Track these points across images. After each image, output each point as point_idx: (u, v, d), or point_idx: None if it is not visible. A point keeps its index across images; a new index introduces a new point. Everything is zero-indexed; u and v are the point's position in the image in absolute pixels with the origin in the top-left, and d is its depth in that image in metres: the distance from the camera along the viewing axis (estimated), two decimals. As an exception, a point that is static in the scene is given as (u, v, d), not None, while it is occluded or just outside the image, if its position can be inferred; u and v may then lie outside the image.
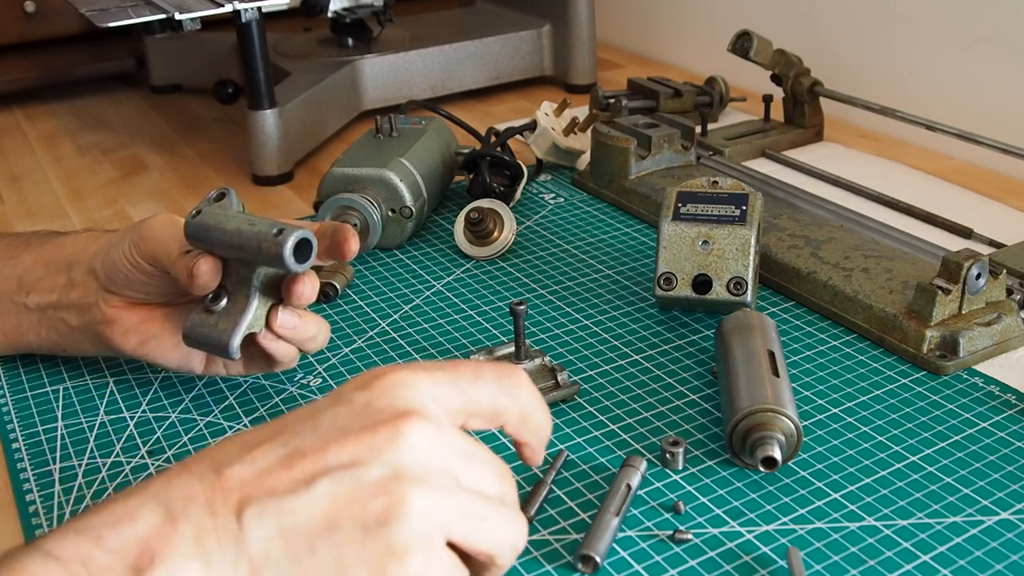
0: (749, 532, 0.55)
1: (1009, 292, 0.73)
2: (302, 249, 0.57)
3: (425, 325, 0.77)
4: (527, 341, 0.70)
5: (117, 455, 0.63)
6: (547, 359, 0.69)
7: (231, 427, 0.66)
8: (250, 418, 0.66)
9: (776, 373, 0.62)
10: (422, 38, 1.31)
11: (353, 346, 0.75)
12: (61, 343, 0.69)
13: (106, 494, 0.60)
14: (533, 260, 0.87)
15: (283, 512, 0.41)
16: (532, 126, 1.02)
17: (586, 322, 0.77)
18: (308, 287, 0.61)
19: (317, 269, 0.83)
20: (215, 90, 1.21)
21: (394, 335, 0.76)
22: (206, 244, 0.60)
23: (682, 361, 0.71)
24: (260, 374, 0.71)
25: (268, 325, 0.62)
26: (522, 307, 0.67)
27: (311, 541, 0.41)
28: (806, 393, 0.67)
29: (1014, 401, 0.65)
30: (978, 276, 0.70)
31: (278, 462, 0.42)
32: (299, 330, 0.64)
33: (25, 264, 0.69)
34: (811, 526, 0.55)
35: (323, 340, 0.66)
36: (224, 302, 0.61)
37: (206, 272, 0.60)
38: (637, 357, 0.72)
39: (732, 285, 0.72)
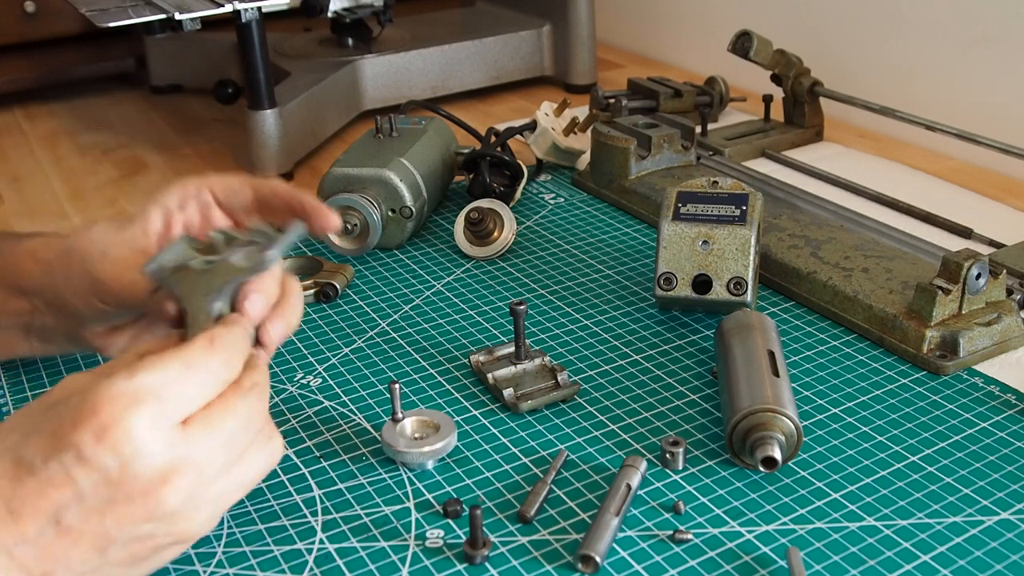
0: (749, 532, 0.55)
1: (1009, 292, 0.73)
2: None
3: (425, 325, 0.77)
4: (527, 341, 0.70)
5: (117, 455, 0.63)
6: (547, 359, 0.69)
7: (231, 427, 0.66)
8: (250, 418, 0.66)
9: (776, 373, 0.62)
10: (422, 38, 1.31)
11: (353, 346, 0.75)
12: (56, 351, 0.69)
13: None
14: (533, 260, 0.87)
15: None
16: (532, 126, 1.02)
17: (586, 322, 0.77)
18: (256, 305, 0.56)
19: (316, 268, 0.83)
20: (215, 90, 1.21)
21: (394, 335, 0.76)
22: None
23: (682, 361, 0.71)
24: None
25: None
26: (522, 307, 0.67)
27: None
28: (806, 393, 0.67)
29: (1014, 401, 0.65)
30: (978, 276, 0.70)
31: (56, 537, 0.45)
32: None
33: None
34: (811, 526, 0.55)
35: (295, 325, 0.60)
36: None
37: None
38: (637, 357, 0.72)
39: (732, 285, 0.72)
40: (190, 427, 0.47)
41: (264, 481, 0.60)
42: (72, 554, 0.46)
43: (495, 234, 0.87)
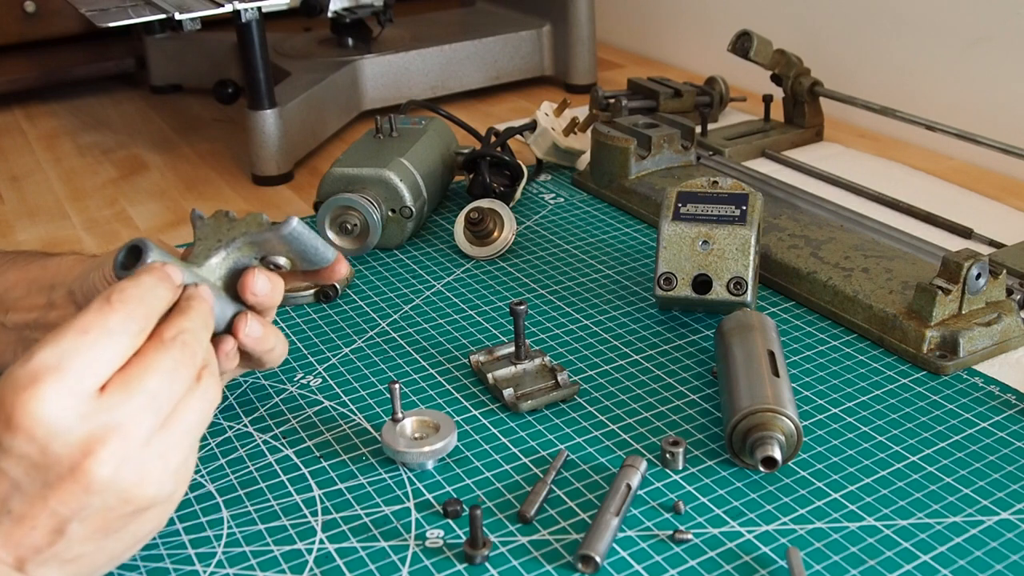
0: (749, 532, 0.55)
1: (1009, 292, 0.73)
2: (132, 256, 0.54)
3: (425, 325, 0.77)
4: (527, 341, 0.70)
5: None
6: (547, 359, 0.69)
7: (231, 427, 0.66)
8: (250, 418, 0.66)
9: (776, 373, 0.62)
10: (422, 38, 1.31)
11: (353, 346, 0.75)
12: None
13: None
14: (533, 260, 0.87)
15: (59, 556, 0.47)
16: (532, 126, 1.02)
17: (586, 322, 0.77)
18: (259, 282, 0.58)
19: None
20: (215, 90, 1.21)
21: (394, 335, 0.76)
22: None
23: (682, 361, 0.71)
24: (260, 373, 0.71)
25: (234, 332, 0.59)
26: (522, 307, 0.67)
27: (97, 555, 0.48)
28: (806, 393, 0.67)
29: (1014, 401, 0.65)
30: (978, 276, 0.70)
31: (14, 526, 0.46)
32: (260, 341, 0.60)
33: (8, 282, 0.68)
34: (811, 526, 0.55)
35: (280, 355, 0.62)
36: None
37: None
38: (637, 357, 0.72)
39: (732, 285, 0.72)
40: (106, 393, 0.46)
41: (264, 481, 0.60)
42: (35, 538, 0.46)
43: (495, 234, 0.87)
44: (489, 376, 0.68)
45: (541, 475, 0.60)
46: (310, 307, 0.80)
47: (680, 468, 0.60)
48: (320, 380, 0.71)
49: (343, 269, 0.62)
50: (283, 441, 0.64)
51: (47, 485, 0.45)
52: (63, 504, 0.46)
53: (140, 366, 0.48)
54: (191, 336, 0.50)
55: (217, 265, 0.57)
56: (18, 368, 0.45)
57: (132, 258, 0.54)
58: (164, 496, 0.49)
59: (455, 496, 0.58)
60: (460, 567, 0.53)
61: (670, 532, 0.55)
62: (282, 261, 0.59)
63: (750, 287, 0.72)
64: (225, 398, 0.69)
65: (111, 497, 0.46)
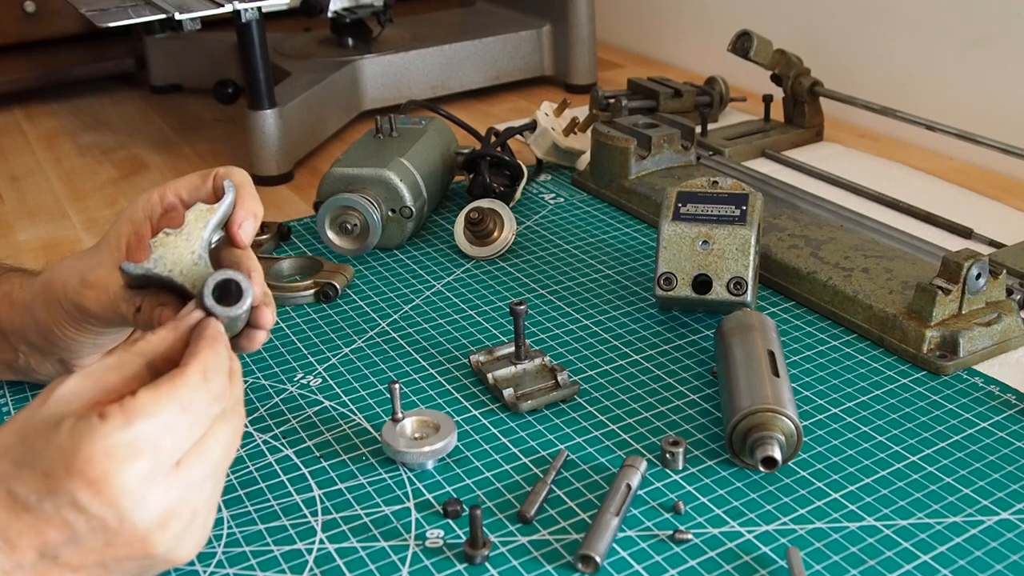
0: (749, 532, 0.55)
1: (1009, 292, 0.73)
2: (223, 292, 0.52)
3: (425, 325, 0.77)
4: (527, 341, 0.70)
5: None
6: (547, 359, 0.69)
7: (231, 427, 0.66)
8: (250, 418, 0.66)
9: (776, 373, 0.62)
10: (422, 38, 1.31)
11: (353, 346, 0.75)
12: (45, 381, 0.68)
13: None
14: (533, 260, 0.87)
15: None
16: (532, 126, 1.02)
17: (586, 322, 0.77)
18: (248, 227, 0.57)
19: (316, 268, 0.84)
20: (215, 90, 1.21)
21: (394, 335, 0.76)
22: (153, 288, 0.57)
23: (682, 361, 0.71)
24: (261, 373, 0.71)
25: (262, 324, 0.58)
26: (522, 307, 0.67)
27: None
28: (806, 393, 0.67)
29: (1014, 401, 0.65)
30: (978, 276, 0.70)
31: (53, 567, 0.45)
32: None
33: None
34: (811, 526, 0.55)
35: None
36: None
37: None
38: (637, 357, 0.72)
39: (732, 285, 0.72)
40: (182, 466, 0.47)
41: (264, 481, 0.60)
42: None
43: (495, 234, 0.87)
44: (489, 376, 0.68)
45: (541, 475, 0.60)
46: (310, 307, 0.80)
47: (680, 468, 0.60)
48: (320, 380, 0.71)
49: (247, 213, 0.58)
50: (283, 441, 0.64)
51: (108, 544, 0.46)
52: (115, 561, 0.46)
53: (212, 438, 0.49)
54: (242, 406, 0.51)
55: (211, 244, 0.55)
56: (117, 432, 0.44)
57: (223, 293, 0.52)
58: (195, 554, 0.50)
59: (455, 496, 0.58)
60: (460, 567, 0.53)
61: (670, 532, 0.55)
62: (220, 233, 0.56)
63: (750, 287, 0.72)
64: (225, 398, 0.69)
65: (159, 559, 0.47)
